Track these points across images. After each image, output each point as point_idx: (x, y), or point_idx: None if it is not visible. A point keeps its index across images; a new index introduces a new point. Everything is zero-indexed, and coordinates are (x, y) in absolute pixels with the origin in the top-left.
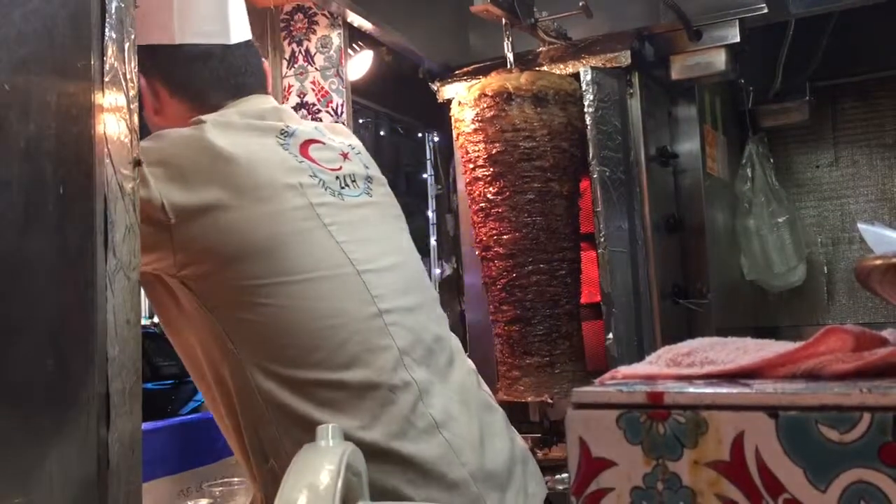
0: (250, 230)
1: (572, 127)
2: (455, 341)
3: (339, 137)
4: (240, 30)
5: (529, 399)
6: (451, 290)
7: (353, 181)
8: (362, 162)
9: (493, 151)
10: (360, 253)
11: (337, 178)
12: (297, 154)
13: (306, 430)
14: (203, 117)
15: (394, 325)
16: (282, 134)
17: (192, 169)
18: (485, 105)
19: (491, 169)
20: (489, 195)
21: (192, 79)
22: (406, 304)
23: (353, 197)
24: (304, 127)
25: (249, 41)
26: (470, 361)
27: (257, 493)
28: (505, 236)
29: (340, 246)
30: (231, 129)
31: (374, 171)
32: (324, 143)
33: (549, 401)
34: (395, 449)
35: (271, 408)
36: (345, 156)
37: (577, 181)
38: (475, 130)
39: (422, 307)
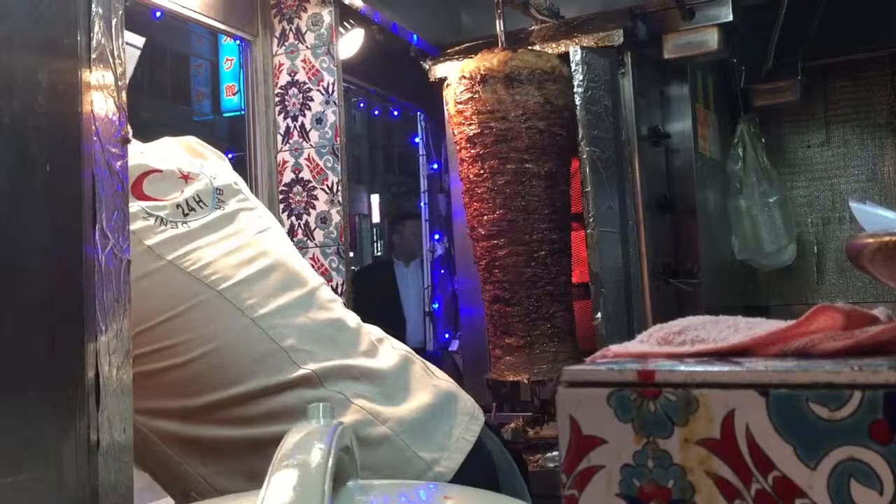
0: None
1: (551, 106)
2: (354, 318)
3: (179, 156)
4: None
5: (510, 378)
6: (444, 270)
7: (199, 201)
8: (208, 175)
9: (471, 133)
10: (218, 273)
11: (178, 206)
12: (131, 198)
13: (215, 453)
14: None
15: (273, 327)
16: None
17: None
18: (462, 87)
19: (472, 150)
20: (472, 176)
21: None
22: (285, 302)
23: (202, 218)
24: (139, 160)
25: None
26: (376, 330)
27: None
28: (485, 217)
29: (192, 275)
30: None
31: (225, 179)
32: (161, 171)
33: (526, 381)
34: None
35: (171, 445)
36: (186, 177)
37: (563, 161)
38: (457, 112)
39: (306, 299)
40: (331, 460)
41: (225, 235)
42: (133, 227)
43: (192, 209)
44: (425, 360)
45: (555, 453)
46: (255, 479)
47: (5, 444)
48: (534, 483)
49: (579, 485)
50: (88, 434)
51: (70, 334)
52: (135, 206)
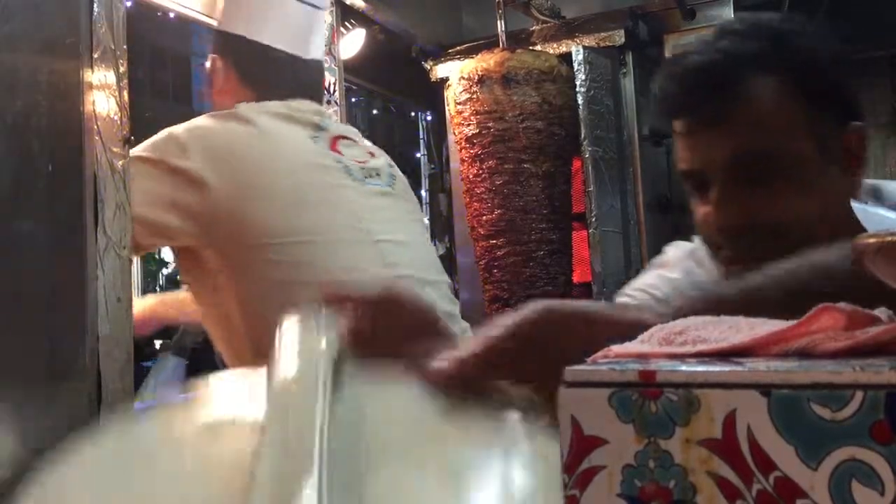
0: (275, 196)
1: (549, 105)
2: (462, 325)
3: (368, 143)
4: (316, 48)
5: None
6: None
7: (378, 174)
8: (387, 162)
9: (470, 134)
10: (377, 226)
11: (362, 168)
12: (326, 146)
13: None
14: (239, 106)
15: (409, 288)
16: (314, 127)
17: (228, 147)
18: (461, 88)
19: (471, 150)
20: (471, 176)
21: (262, 75)
22: (420, 276)
23: (375, 186)
24: (338, 126)
25: (320, 60)
26: None
27: None
28: (484, 217)
29: (358, 216)
30: (266, 114)
31: (397, 171)
32: (354, 141)
33: None
34: None
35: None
36: (371, 154)
37: (561, 161)
38: (457, 113)
39: (435, 284)
40: (332, 347)
41: (386, 206)
42: (324, 162)
43: (371, 176)
44: None
45: None
46: None
47: (6, 444)
48: None
49: (580, 485)
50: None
51: (71, 334)
52: (329, 153)
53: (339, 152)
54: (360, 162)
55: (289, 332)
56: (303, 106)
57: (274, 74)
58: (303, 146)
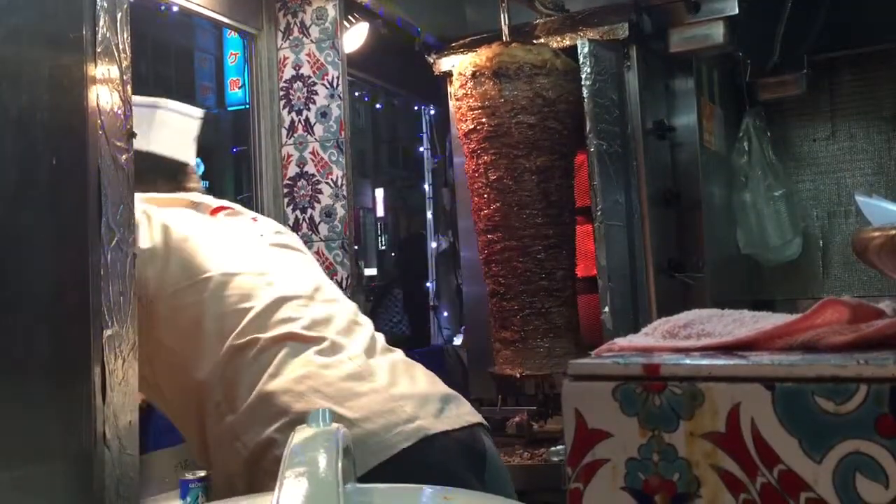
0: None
1: (542, 100)
2: (369, 325)
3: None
4: (192, 155)
5: (507, 372)
6: (447, 264)
7: (265, 234)
8: (271, 223)
9: (467, 129)
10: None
11: (251, 228)
12: (207, 214)
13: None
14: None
15: (304, 306)
16: (191, 205)
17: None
18: (458, 84)
19: (469, 146)
20: (470, 171)
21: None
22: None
23: (270, 236)
24: (212, 202)
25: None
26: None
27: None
28: (482, 212)
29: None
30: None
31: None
32: (233, 210)
33: (518, 375)
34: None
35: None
36: (254, 219)
37: (559, 155)
38: (456, 108)
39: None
40: (339, 466)
41: (284, 255)
42: (214, 224)
43: (262, 234)
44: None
45: (559, 447)
46: None
47: (13, 437)
48: (538, 477)
49: (584, 478)
50: (95, 427)
51: (76, 328)
52: (215, 217)
53: (223, 218)
54: (246, 224)
55: (296, 453)
56: (179, 195)
57: (160, 172)
58: (189, 217)
